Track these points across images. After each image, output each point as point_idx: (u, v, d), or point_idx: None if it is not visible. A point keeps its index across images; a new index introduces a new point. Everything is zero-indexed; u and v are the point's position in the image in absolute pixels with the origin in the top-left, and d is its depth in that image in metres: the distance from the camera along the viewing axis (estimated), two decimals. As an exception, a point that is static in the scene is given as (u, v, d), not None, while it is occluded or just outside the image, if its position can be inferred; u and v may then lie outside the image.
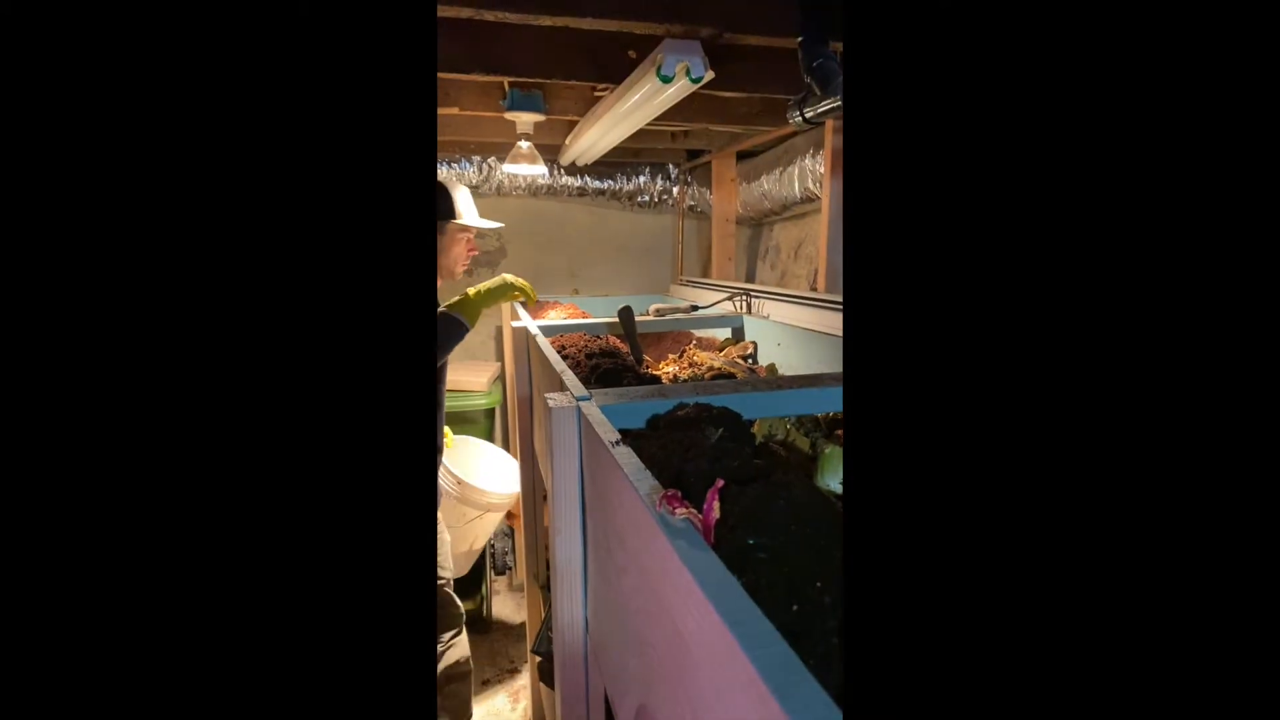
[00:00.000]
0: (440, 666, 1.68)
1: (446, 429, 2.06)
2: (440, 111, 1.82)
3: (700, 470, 0.59)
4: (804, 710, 0.28)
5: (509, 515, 2.24)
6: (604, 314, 1.96)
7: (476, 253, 1.71)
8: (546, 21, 1.22)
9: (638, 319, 1.70)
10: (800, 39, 1.25)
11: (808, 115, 1.38)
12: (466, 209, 1.60)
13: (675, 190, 2.92)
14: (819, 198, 2.04)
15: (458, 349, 1.57)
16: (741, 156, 2.59)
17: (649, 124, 1.67)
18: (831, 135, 1.83)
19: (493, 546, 2.54)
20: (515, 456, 2.17)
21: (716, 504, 0.49)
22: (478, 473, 2.19)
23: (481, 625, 2.47)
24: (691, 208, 2.95)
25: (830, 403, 0.88)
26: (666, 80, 1.22)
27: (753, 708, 0.31)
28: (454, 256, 1.61)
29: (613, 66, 1.46)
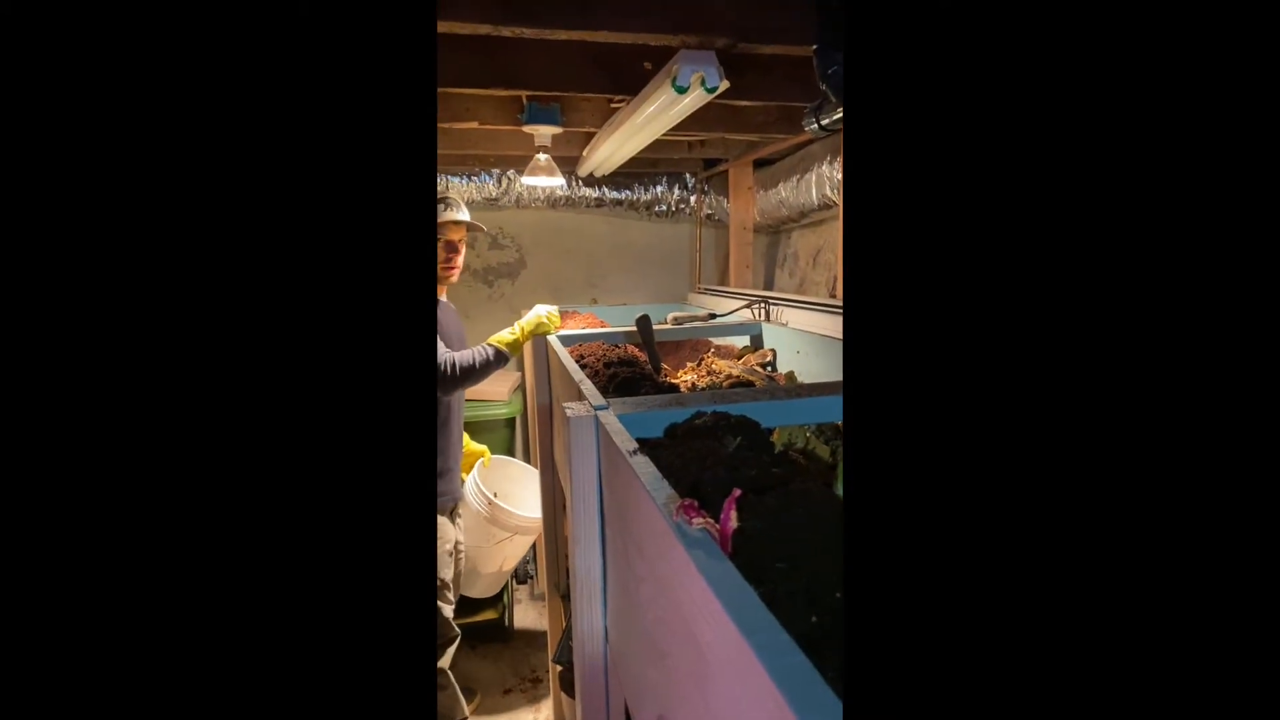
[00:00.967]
0: None
1: (484, 448, 2.08)
2: (459, 126, 1.85)
3: (718, 479, 0.59)
4: (821, 721, 0.28)
5: None
6: (622, 323, 1.96)
7: (460, 253, 1.75)
8: (563, 35, 1.24)
9: (655, 327, 1.70)
10: (815, 47, 1.25)
11: (824, 123, 1.38)
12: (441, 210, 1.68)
13: (692, 199, 2.93)
14: (837, 204, 2.04)
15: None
16: (759, 165, 2.59)
17: (665, 134, 1.68)
18: (848, 142, 1.82)
19: (514, 556, 2.55)
20: (535, 466, 2.18)
21: (734, 513, 0.49)
22: (511, 495, 2.20)
23: (504, 634, 2.48)
24: (709, 216, 2.96)
25: (849, 410, 0.87)
26: (682, 91, 1.23)
27: (770, 719, 0.31)
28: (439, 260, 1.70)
29: (629, 78, 1.47)
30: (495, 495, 2.02)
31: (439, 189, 2.49)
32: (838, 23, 1.22)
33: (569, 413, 0.77)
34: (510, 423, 2.55)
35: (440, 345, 1.62)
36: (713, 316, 2.04)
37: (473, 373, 1.60)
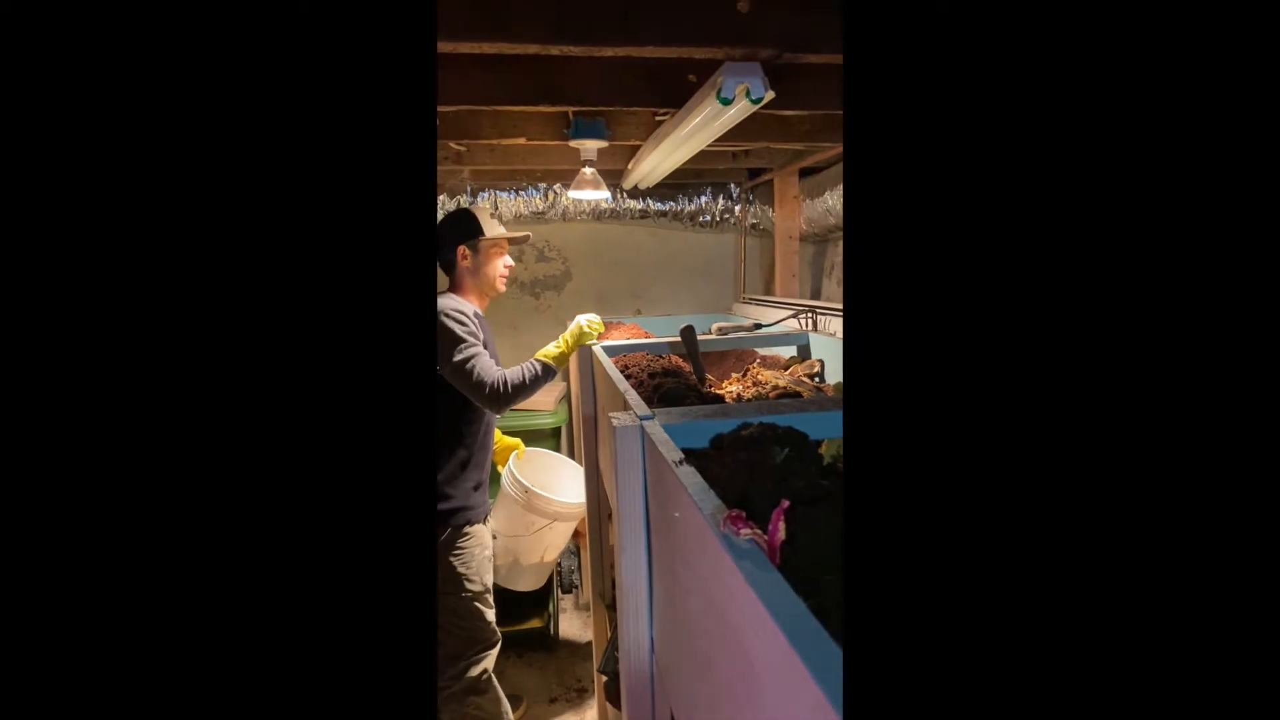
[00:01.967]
0: (461, 681, 1.69)
1: (518, 440, 2.12)
2: (506, 142, 1.91)
3: (765, 491, 0.59)
4: (874, 737, 0.28)
5: (575, 533, 2.26)
6: (666, 334, 1.97)
7: (513, 265, 1.83)
8: (609, 52, 1.26)
9: (700, 338, 1.70)
10: (862, 54, 1.24)
11: (871, 130, 1.36)
12: (490, 225, 1.75)
13: (737, 209, 2.92)
14: (885, 212, 2.00)
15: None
16: (804, 173, 2.57)
17: (710, 145, 1.68)
18: (897, 148, 1.79)
19: (559, 565, 2.57)
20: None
21: (782, 525, 0.49)
22: (546, 483, 2.23)
23: (549, 644, 2.50)
24: (754, 226, 2.95)
25: (900, 422, 0.86)
26: (726, 103, 1.23)
27: (821, 733, 0.31)
28: (493, 270, 1.76)
29: (674, 91, 1.48)
30: (530, 485, 2.05)
31: (489, 204, 2.56)
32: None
33: (615, 423, 0.78)
34: (556, 432, 2.59)
35: (490, 363, 1.65)
36: (758, 326, 2.03)
37: (523, 389, 1.64)
